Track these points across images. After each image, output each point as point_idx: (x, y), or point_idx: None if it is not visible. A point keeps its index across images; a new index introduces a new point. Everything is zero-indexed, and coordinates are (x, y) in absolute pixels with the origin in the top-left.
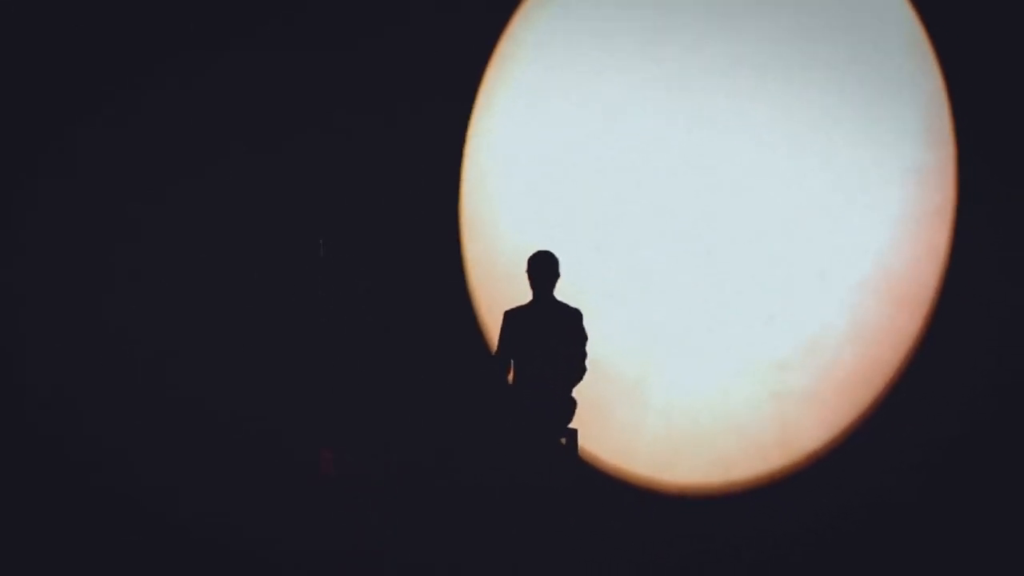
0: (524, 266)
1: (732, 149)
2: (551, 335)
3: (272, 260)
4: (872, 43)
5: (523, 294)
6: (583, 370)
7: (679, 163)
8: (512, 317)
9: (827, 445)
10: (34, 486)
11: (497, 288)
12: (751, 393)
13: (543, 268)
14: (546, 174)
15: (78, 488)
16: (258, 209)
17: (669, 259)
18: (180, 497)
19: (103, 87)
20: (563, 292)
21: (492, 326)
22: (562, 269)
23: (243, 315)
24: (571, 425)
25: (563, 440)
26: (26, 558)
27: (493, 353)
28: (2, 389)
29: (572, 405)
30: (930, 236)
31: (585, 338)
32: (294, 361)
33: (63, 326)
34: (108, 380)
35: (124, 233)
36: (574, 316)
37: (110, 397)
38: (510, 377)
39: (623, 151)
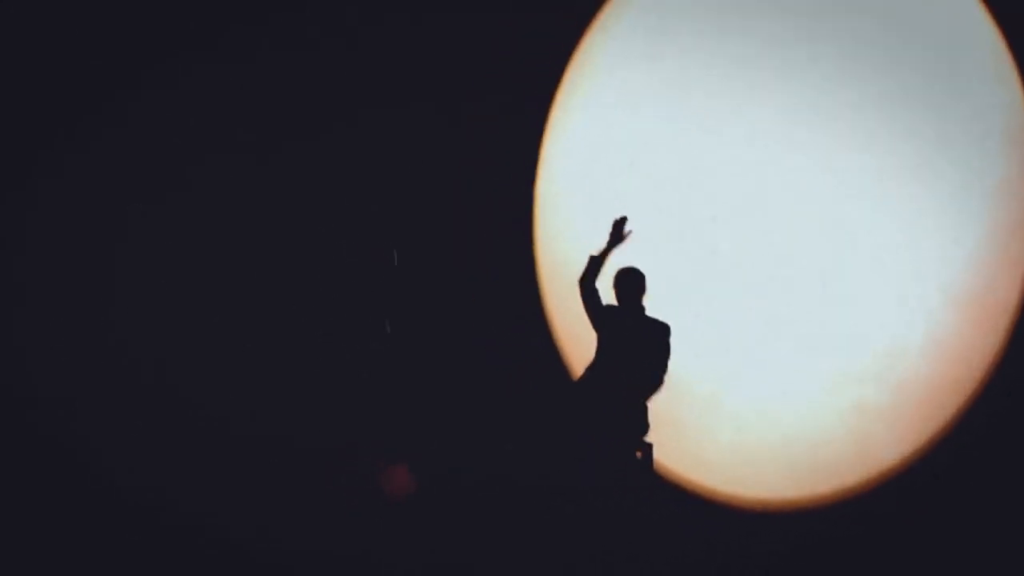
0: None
1: (814, 165)
2: (639, 345)
3: (334, 264)
4: (951, 57)
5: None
6: (661, 383)
7: (758, 177)
8: (610, 312)
9: (905, 460)
10: (36, 487)
11: (571, 294)
12: (828, 408)
13: (630, 285)
14: (620, 184)
15: (80, 489)
16: (311, 214)
17: (747, 270)
18: (183, 499)
19: (105, 87)
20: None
21: (564, 331)
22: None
23: (284, 321)
24: (646, 439)
25: (639, 453)
26: (26, 558)
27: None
28: (6, 390)
29: (647, 415)
30: (1010, 250)
31: (669, 353)
32: (356, 369)
33: (67, 327)
34: (115, 383)
35: (136, 234)
36: (663, 330)
37: (116, 400)
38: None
39: (697, 163)
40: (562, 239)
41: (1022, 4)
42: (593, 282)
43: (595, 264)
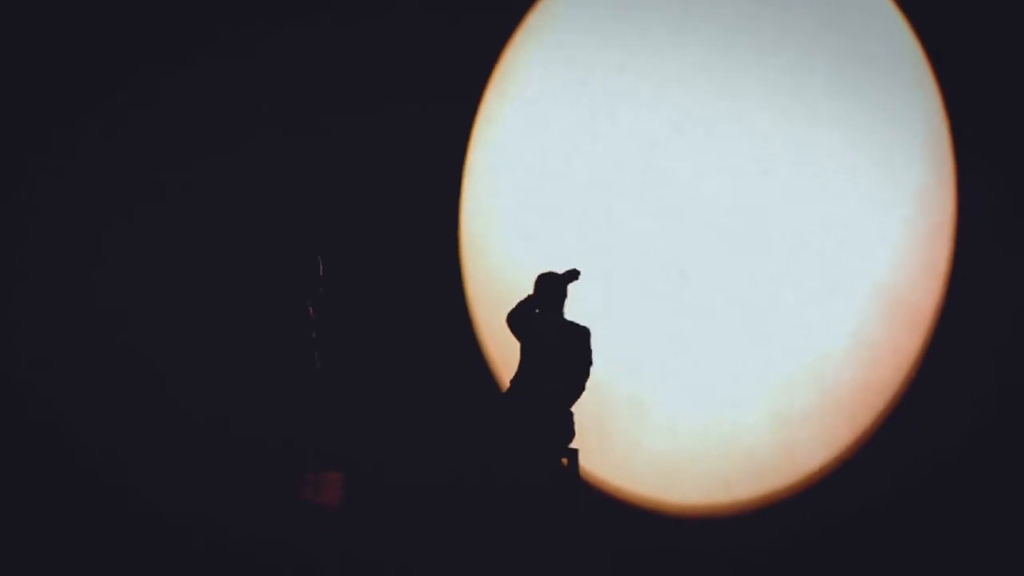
0: (527, 280)
1: (735, 172)
2: (560, 351)
3: (268, 265)
4: (873, 65)
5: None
6: (582, 389)
7: (684, 184)
8: (532, 319)
9: (829, 465)
10: (36, 487)
11: (496, 301)
12: (753, 413)
13: (551, 289)
14: (547, 189)
15: (79, 489)
16: (254, 215)
17: (671, 277)
18: (178, 497)
19: (102, 85)
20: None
21: (489, 332)
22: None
23: (238, 318)
24: (572, 445)
25: (564, 460)
26: (26, 558)
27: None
28: (6, 390)
29: (572, 421)
30: (930, 255)
31: (590, 358)
32: (291, 368)
33: (65, 327)
34: (114, 383)
35: (125, 232)
36: (583, 335)
37: (115, 399)
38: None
39: (624, 168)
40: (489, 243)
41: (940, 15)
42: (521, 320)
43: (528, 305)
